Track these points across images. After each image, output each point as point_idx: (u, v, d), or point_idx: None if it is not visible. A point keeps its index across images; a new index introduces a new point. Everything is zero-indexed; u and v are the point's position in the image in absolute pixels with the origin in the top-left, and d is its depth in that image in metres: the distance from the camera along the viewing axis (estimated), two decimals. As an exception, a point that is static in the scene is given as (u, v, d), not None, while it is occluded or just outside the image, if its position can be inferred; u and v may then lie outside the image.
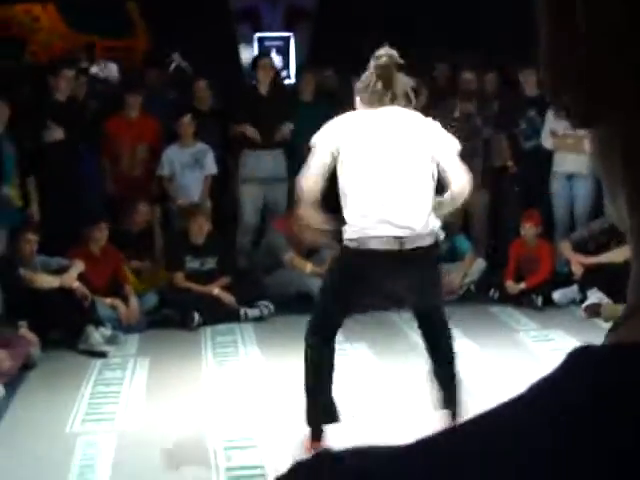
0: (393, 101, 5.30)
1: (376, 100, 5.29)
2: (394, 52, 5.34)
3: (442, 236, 5.46)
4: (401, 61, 5.35)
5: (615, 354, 0.57)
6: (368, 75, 5.30)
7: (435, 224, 5.31)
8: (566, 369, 0.59)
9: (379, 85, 5.28)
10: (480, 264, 9.77)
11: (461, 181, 5.27)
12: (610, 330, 0.63)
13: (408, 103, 5.37)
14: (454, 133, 10.31)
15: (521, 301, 9.24)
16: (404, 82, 5.35)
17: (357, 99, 5.42)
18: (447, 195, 5.34)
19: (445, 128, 10.27)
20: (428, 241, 5.30)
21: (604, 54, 0.57)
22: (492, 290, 9.49)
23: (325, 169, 5.21)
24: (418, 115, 5.41)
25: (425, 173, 5.26)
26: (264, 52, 11.52)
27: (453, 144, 5.41)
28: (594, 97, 0.59)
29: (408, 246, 5.22)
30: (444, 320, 5.82)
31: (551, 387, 0.59)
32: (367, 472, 0.60)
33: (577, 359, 0.59)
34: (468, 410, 6.04)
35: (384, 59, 5.29)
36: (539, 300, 9.12)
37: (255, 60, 10.47)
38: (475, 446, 0.57)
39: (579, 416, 0.55)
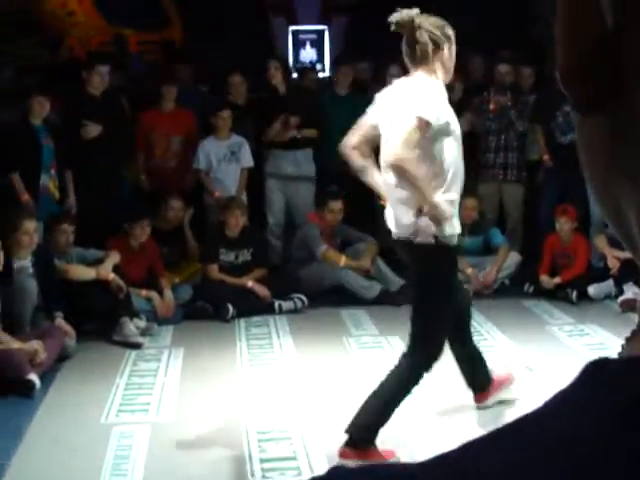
0: None
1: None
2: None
3: None
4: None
5: (630, 368, 0.57)
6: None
7: None
8: (581, 384, 0.59)
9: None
10: (515, 258, 9.73)
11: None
12: (627, 340, 0.62)
13: None
14: (489, 126, 10.34)
15: (556, 295, 9.21)
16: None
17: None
18: None
19: (480, 121, 10.26)
20: None
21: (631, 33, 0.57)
22: (527, 284, 9.45)
23: None
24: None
25: None
26: (274, 54, 11.51)
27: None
28: (614, 77, 0.59)
29: None
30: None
31: (566, 404, 0.59)
32: None
33: (592, 373, 0.58)
34: (506, 404, 6.05)
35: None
36: (574, 294, 9.08)
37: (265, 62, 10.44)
38: (490, 466, 0.57)
39: (594, 434, 0.55)
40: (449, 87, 10.20)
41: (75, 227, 8.41)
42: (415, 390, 5.33)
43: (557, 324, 8.40)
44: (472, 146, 10.30)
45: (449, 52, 5.17)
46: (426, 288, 5.24)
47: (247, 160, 9.82)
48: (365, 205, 10.52)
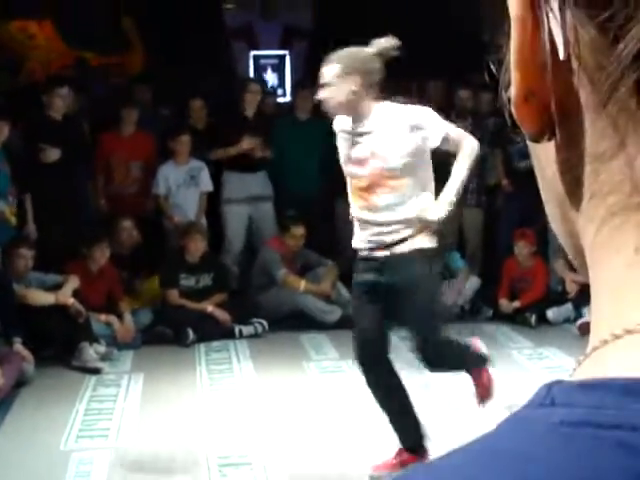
0: None
1: None
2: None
3: None
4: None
5: (579, 392, 0.58)
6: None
7: None
8: (532, 408, 0.60)
9: None
10: (474, 282, 9.78)
11: None
12: (578, 363, 0.63)
13: None
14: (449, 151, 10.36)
15: (515, 319, 9.26)
16: None
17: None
18: None
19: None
20: None
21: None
22: (486, 308, 9.50)
23: None
24: None
25: None
26: (252, 79, 11.53)
27: None
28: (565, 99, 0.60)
29: None
30: None
31: (514, 426, 0.60)
32: None
33: (543, 397, 0.60)
34: (460, 427, 6.05)
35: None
36: (533, 318, 9.13)
37: (243, 84, 10.47)
38: None
39: (536, 456, 0.56)
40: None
41: (34, 252, 8.35)
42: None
43: (516, 347, 8.44)
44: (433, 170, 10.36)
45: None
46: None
47: (206, 184, 9.81)
48: (324, 228, 10.55)
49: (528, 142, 0.66)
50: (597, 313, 0.64)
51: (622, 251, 0.59)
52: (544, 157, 0.65)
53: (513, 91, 0.63)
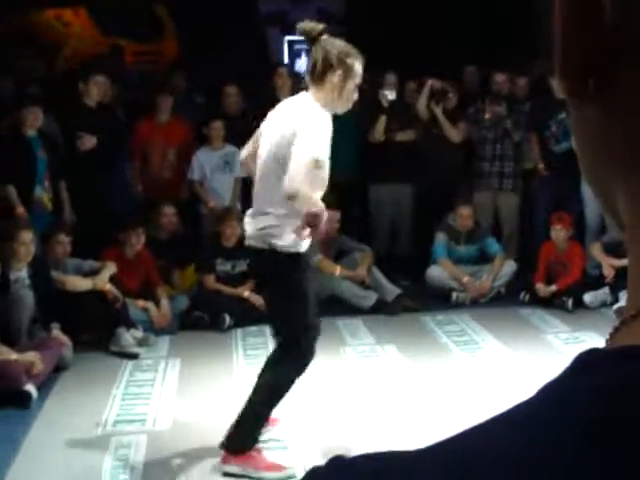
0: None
1: None
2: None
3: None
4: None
5: (615, 358, 0.59)
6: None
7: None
8: (570, 374, 0.60)
9: None
10: (510, 266, 9.75)
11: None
12: (611, 333, 0.64)
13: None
14: (485, 135, 10.38)
15: (552, 303, 9.22)
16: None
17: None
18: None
19: (476, 130, 10.31)
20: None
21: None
22: (523, 293, 9.47)
23: None
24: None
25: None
26: (281, 63, 11.50)
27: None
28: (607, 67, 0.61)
29: None
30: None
31: (554, 393, 0.60)
32: (379, 474, 0.62)
33: (581, 363, 0.60)
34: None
35: None
36: (570, 302, 9.09)
37: (273, 69, 10.49)
38: (483, 455, 0.59)
39: (581, 421, 0.56)
40: (443, 93, 10.25)
41: (71, 238, 8.42)
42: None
43: (553, 332, 8.41)
44: (467, 155, 10.35)
45: (342, 81, 5.08)
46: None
47: (240, 170, 9.81)
48: (361, 214, 10.55)
49: (570, 108, 0.67)
50: (633, 284, 0.64)
51: None
52: (584, 122, 0.66)
53: (562, 58, 0.63)
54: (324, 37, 5.11)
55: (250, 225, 5.22)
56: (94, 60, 12.65)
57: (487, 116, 10.13)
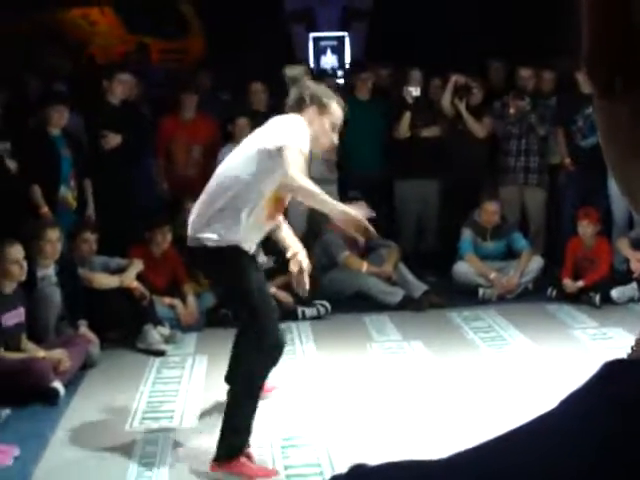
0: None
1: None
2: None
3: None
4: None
5: (636, 369, 0.58)
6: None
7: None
8: (592, 385, 0.60)
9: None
10: (537, 262, 9.71)
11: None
12: (637, 342, 0.64)
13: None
14: (510, 130, 10.34)
15: (579, 299, 9.18)
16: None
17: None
18: None
19: (501, 125, 10.27)
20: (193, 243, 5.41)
21: None
22: (550, 288, 9.43)
23: None
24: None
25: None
26: (298, 60, 11.49)
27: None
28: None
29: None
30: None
31: (576, 405, 0.60)
32: None
33: (604, 374, 0.60)
34: (527, 408, 6.03)
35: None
36: (597, 298, 9.05)
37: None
38: (505, 467, 0.59)
39: (598, 434, 0.56)
40: (467, 89, 10.21)
41: (97, 235, 8.45)
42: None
43: (580, 328, 8.37)
44: (493, 150, 10.32)
45: (317, 115, 5.34)
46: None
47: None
48: (387, 210, 10.55)
49: (595, 101, 0.67)
50: None
51: None
52: (609, 115, 0.65)
53: (590, 50, 0.63)
54: (304, 77, 5.60)
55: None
56: (120, 58, 12.70)
57: (511, 111, 10.09)
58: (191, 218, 5.54)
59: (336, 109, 5.39)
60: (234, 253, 5.30)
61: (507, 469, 0.58)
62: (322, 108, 5.35)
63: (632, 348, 0.64)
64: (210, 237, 5.29)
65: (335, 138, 5.47)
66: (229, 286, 5.55)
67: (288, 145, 5.01)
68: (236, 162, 5.32)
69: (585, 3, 0.62)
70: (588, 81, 0.65)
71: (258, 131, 5.42)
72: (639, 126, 0.62)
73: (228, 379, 5.62)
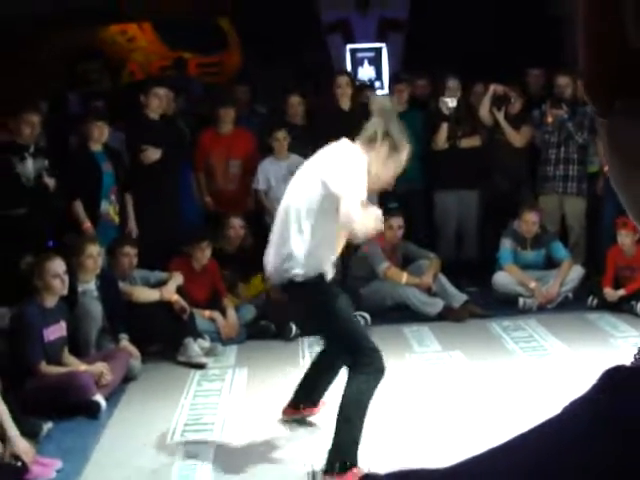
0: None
1: None
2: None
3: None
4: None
5: (637, 377, 0.59)
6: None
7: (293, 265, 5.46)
8: (595, 392, 0.61)
9: None
10: (578, 271, 9.66)
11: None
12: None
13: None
14: (548, 139, 10.28)
15: (620, 308, 9.12)
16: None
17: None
18: None
19: (539, 134, 10.20)
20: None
21: None
22: (591, 297, 9.37)
23: None
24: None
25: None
26: (341, 71, 11.49)
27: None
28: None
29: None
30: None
31: (580, 410, 0.61)
32: None
33: (606, 381, 0.60)
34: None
35: None
36: (639, 306, 8.98)
37: (334, 76, 10.47)
38: (505, 471, 0.60)
39: (599, 447, 0.57)
40: (505, 99, 10.17)
41: (137, 250, 8.51)
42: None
43: (622, 337, 8.31)
44: (532, 159, 10.28)
45: (384, 158, 5.47)
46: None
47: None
48: (426, 221, 10.53)
49: (597, 120, 0.67)
50: None
51: None
52: (612, 132, 0.66)
53: (587, 72, 0.64)
54: (386, 112, 5.59)
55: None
56: (159, 73, 12.79)
57: (549, 119, 10.05)
58: (270, 256, 5.69)
59: (405, 151, 5.54)
60: (321, 282, 5.48)
61: (517, 469, 0.59)
62: (393, 149, 5.49)
63: (635, 356, 0.65)
64: (297, 272, 5.43)
65: (393, 178, 5.66)
66: (325, 319, 5.60)
67: (349, 197, 5.19)
68: (304, 195, 5.44)
69: (580, 28, 0.63)
70: (588, 101, 0.66)
71: (321, 164, 5.52)
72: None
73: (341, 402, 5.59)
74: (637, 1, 0.59)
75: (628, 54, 0.60)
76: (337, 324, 5.49)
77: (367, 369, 5.41)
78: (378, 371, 5.43)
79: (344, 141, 5.54)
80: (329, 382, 6.23)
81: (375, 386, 5.44)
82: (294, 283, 5.45)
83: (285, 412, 6.40)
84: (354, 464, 5.35)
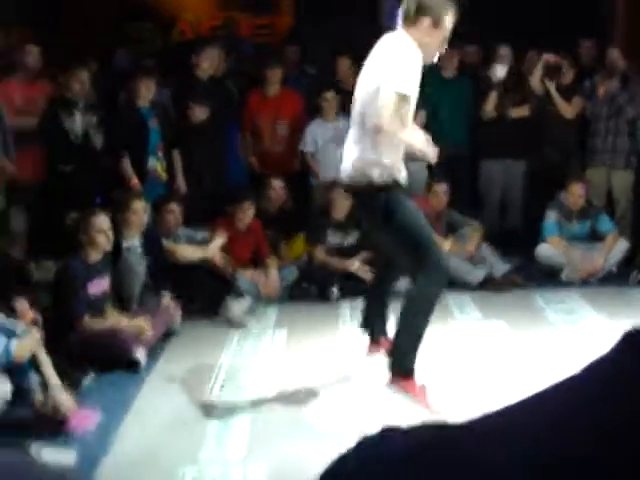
0: None
1: None
2: None
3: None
4: None
5: None
6: None
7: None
8: (615, 352, 0.61)
9: None
10: (623, 245, 9.57)
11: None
12: None
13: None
14: (599, 111, 10.15)
15: (665, 283, 9.05)
16: None
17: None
18: None
19: (590, 106, 10.08)
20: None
21: None
22: (635, 272, 9.30)
23: None
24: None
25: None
26: (392, 28, 11.38)
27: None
28: None
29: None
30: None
31: (602, 369, 0.61)
32: (428, 445, 0.63)
33: (626, 342, 0.60)
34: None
35: None
36: (683, 282, 8.92)
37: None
38: (529, 425, 0.60)
39: (622, 399, 0.57)
40: (557, 69, 10.05)
41: (183, 207, 8.54)
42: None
43: (665, 312, 8.25)
44: (581, 131, 10.18)
45: (430, 27, 5.53)
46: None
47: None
48: (470, 189, 10.47)
49: None
50: None
51: None
52: None
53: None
54: None
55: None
56: (209, 33, 12.78)
57: (600, 92, 9.94)
58: (350, 159, 5.89)
59: (449, 23, 5.59)
60: (397, 187, 5.67)
61: (533, 428, 0.59)
62: (437, 22, 5.54)
63: None
64: (378, 174, 5.63)
65: (442, 51, 5.77)
66: (399, 221, 5.70)
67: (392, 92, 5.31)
68: (372, 103, 5.54)
69: None
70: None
71: (376, 61, 5.65)
72: None
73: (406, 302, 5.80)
74: None
75: None
76: (410, 226, 5.62)
77: (433, 275, 5.60)
78: (443, 278, 5.66)
79: (392, 34, 5.66)
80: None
81: (438, 293, 5.66)
82: (372, 186, 5.61)
83: (370, 350, 6.70)
84: (412, 374, 5.70)
